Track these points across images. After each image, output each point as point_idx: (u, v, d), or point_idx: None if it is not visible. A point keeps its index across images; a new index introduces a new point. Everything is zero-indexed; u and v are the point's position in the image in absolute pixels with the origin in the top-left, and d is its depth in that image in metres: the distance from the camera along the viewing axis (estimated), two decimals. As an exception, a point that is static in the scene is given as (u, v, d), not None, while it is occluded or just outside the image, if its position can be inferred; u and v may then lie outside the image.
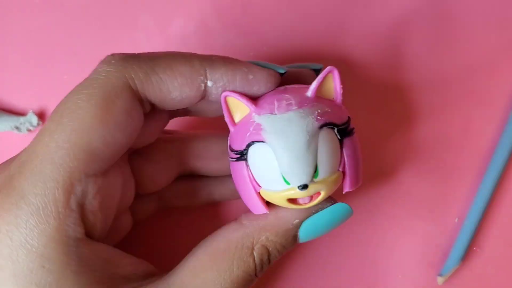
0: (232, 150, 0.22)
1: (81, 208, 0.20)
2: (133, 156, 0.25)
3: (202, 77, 0.21)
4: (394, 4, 0.29)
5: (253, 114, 0.21)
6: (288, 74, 0.23)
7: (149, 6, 0.30)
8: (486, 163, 0.29)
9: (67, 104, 0.20)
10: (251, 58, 0.28)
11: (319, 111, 0.21)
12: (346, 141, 0.21)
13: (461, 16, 0.30)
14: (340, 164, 0.21)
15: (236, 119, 0.22)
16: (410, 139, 0.29)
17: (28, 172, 0.19)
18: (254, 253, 0.22)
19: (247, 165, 0.21)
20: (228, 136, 0.22)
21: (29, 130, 0.28)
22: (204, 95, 0.22)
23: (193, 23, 0.30)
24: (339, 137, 0.21)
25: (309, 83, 0.22)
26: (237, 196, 0.23)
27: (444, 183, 0.29)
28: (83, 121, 0.20)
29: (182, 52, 0.22)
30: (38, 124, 0.28)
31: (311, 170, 0.20)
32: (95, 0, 0.30)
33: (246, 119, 0.21)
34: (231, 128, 0.22)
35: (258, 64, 0.22)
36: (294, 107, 0.21)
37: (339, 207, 0.22)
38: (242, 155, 0.21)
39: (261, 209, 0.22)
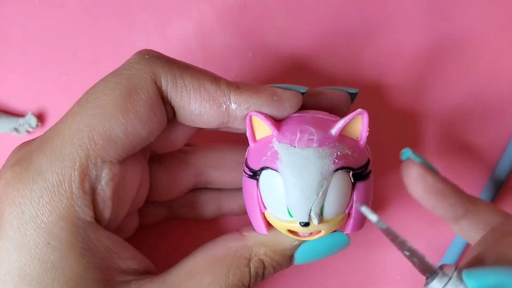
0: (247, 167, 0.22)
1: (94, 192, 0.20)
2: (151, 161, 0.25)
3: (225, 98, 0.21)
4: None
5: (274, 139, 0.21)
6: (324, 95, 0.24)
7: (148, 7, 0.30)
8: (490, 166, 0.29)
9: (94, 90, 0.21)
10: (250, 59, 0.28)
11: (338, 153, 0.21)
12: (359, 184, 0.21)
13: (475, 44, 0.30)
14: (347, 206, 0.22)
15: (258, 137, 0.22)
16: (413, 139, 0.29)
17: (48, 150, 0.20)
18: (251, 264, 0.22)
19: (258, 186, 0.22)
20: (245, 149, 0.23)
21: (28, 132, 0.28)
22: (227, 119, 0.22)
23: (192, 24, 0.30)
24: (352, 180, 0.21)
25: (342, 108, 0.22)
26: (245, 212, 0.24)
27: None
28: (105, 107, 0.20)
29: (213, 73, 0.22)
30: (37, 126, 0.28)
31: (318, 211, 0.21)
32: (94, 1, 0.30)
33: (266, 141, 0.21)
34: (251, 144, 0.22)
35: (280, 87, 0.22)
36: (315, 145, 0.21)
37: (337, 236, 0.23)
38: (255, 175, 0.22)
39: (262, 229, 0.22)
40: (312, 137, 0.21)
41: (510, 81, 0.29)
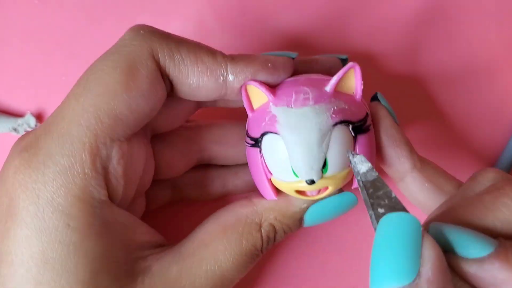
0: (248, 136, 0.22)
1: (106, 172, 0.20)
2: (153, 140, 0.25)
3: (222, 70, 0.21)
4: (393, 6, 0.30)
5: (271, 104, 0.21)
6: (316, 61, 0.24)
7: (148, 7, 0.30)
8: (490, 165, 0.29)
9: (93, 70, 0.21)
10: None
11: (335, 107, 0.21)
12: (360, 138, 0.21)
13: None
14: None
15: (255, 106, 0.22)
16: (413, 138, 0.29)
17: (55, 134, 0.20)
18: (262, 229, 0.22)
19: (261, 153, 0.22)
20: (246, 123, 0.23)
21: (27, 132, 0.28)
22: (225, 91, 0.22)
23: (191, 24, 0.30)
24: (353, 134, 0.21)
25: (334, 73, 0.22)
26: (250, 188, 0.24)
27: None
28: (108, 86, 0.20)
29: (208, 46, 0.22)
30: (36, 126, 0.28)
31: (320, 166, 0.21)
32: (94, 1, 0.30)
33: (264, 108, 0.22)
34: (249, 114, 0.22)
35: (271, 54, 0.23)
36: (311, 102, 0.21)
37: (345, 196, 0.23)
38: (256, 143, 0.22)
39: (270, 195, 0.23)
40: (307, 95, 0.21)
41: (510, 80, 0.30)
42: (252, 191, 0.24)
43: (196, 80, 0.21)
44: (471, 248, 0.17)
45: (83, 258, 0.19)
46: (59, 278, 0.19)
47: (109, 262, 0.20)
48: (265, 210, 0.23)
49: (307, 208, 0.23)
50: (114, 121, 0.20)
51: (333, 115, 0.21)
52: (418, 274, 0.16)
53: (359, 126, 0.21)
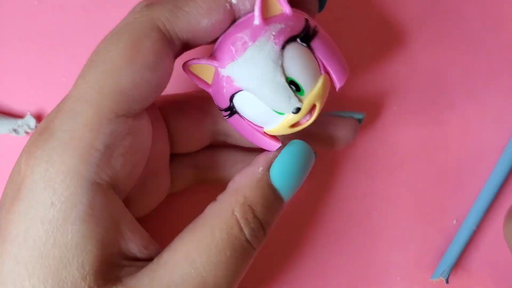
0: (221, 110, 0.22)
1: (107, 149, 0.20)
2: (167, 110, 0.25)
3: None
4: None
5: (219, 69, 0.21)
6: None
7: (148, 8, 0.30)
8: (490, 166, 0.29)
9: (98, 49, 0.21)
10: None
11: (273, 33, 0.21)
12: (314, 43, 0.21)
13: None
14: (320, 68, 0.21)
15: (209, 81, 0.22)
16: (411, 139, 0.29)
17: (61, 112, 0.20)
18: (236, 213, 0.20)
19: (241, 116, 0.22)
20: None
21: (27, 133, 0.28)
22: (233, 17, 0.21)
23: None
24: (305, 44, 0.21)
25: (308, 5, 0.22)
26: None
27: (444, 184, 0.29)
28: (112, 62, 0.20)
29: None
30: (36, 127, 0.28)
31: (293, 92, 0.21)
32: (94, 2, 0.30)
33: (216, 77, 0.21)
34: (208, 90, 0.22)
35: None
36: (250, 43, 0.20)
37: (295, 145, 0.23)
38: (231, 110, 0.22)
39: (274, 144, 0.22)
40: (244, 39, 0.21)
41: (510, 79, 0.30)
42: None
43: (208, 21, 0.21)
44: None
45: (60, 241, 0.18)
46: (34, 260, 0.18)
47: (81, 254, 0.19)
48: (231, 196, 0.21)
49: (267, 169, 0.22)
50: (119, 96, 0.20)
51: (276, 40, 0.20)
52: None
53: (305, 34, 0.21)
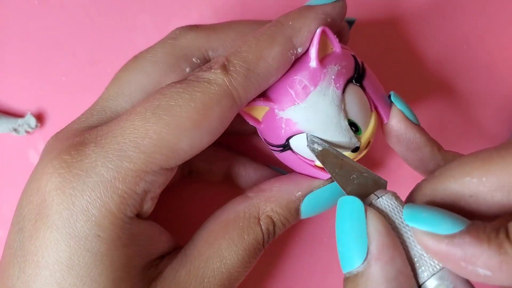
0: (272, 145, 0.22)
1: (144, 195, 0.20)
2: None
3: (293, 50, 0.21)
4: None
5: (276, 111, 0.21)
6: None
7: (148, 7, 0.30)
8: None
9: (166, 95, 0.20)
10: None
11: (333, 77, 0.21)
12: (365, 82, 0.21)
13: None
14: (371, 105, 0.22)
15: (259, 118, 0.22)
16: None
17: (107, 146, 0.20)
18: (261, 222, 0.22)
19: (294, 152, 0.22)
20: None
21: (27, 132, 0.28)
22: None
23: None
24: (358, 84, 0.21)
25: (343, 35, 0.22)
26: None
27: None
28: (178, 119, 0.20)
29: (265, 37, 0.21)
30: (36, 126, 0.28)
31: (353, 134, 0.21)
32: (93, 2, 0.30)
33: (271, 116, 0.21)
34: (258, 126, 0.22)
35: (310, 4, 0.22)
36: (311, 88, 0.20)
37: (335, 186, 0.23)
38: (285, 147, 0.22)
39: (324, 175, 0.23)
40: (303, 83, 0.21)
41: (510, 79, 0.30)
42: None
43: (276, 77, 0.21)
44: (443, 225, 0.17)
45: (108, 267, 0.20)
46: (82, 285, 0.19)
47: (130, 271, 0.20)
48: (261, 202, 0.23)
49: (303, 196, 0.23)
50: (172, 154, 0.20)
51: (337, 85, 0.20)
52: (368, 253, 0.17)
53: (359, 74, 0.21)
